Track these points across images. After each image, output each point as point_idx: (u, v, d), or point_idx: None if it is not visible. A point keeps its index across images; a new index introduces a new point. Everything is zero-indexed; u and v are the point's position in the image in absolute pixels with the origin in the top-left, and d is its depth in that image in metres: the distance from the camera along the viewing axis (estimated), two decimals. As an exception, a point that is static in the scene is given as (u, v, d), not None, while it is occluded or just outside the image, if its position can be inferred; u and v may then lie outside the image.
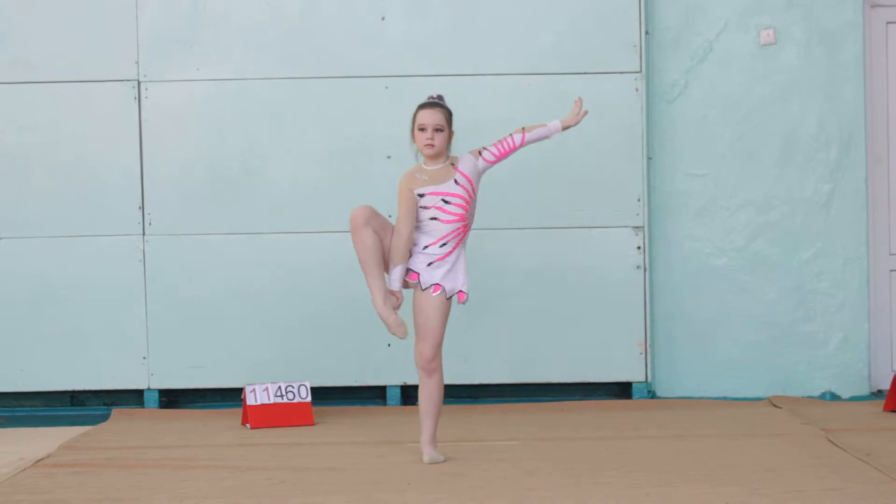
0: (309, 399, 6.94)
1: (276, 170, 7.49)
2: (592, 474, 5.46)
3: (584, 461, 5.75)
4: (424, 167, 5.78)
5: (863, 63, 7.58)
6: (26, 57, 7.47)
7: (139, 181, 7.49)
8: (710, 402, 7.46)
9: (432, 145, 5.73)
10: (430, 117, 5.74)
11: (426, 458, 5.79)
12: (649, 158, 7.54)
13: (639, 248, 7.50)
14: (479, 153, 5.83)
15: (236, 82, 7.49)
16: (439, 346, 5.77)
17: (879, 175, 7.73)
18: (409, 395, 7.47)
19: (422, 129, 5.75)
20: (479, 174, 5.83)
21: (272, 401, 6.86)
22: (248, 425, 6.83)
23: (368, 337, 7.46)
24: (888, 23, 7.70)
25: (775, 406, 7.30)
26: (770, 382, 7.59)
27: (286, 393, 6.90)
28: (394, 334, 5.74)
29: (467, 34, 7.48)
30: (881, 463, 5.56)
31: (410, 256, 5.75)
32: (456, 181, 5.74)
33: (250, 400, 6.83)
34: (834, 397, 7.56)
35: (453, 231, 5.74)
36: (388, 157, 7.37)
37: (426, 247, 5.74)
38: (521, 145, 5.84)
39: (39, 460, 6.01)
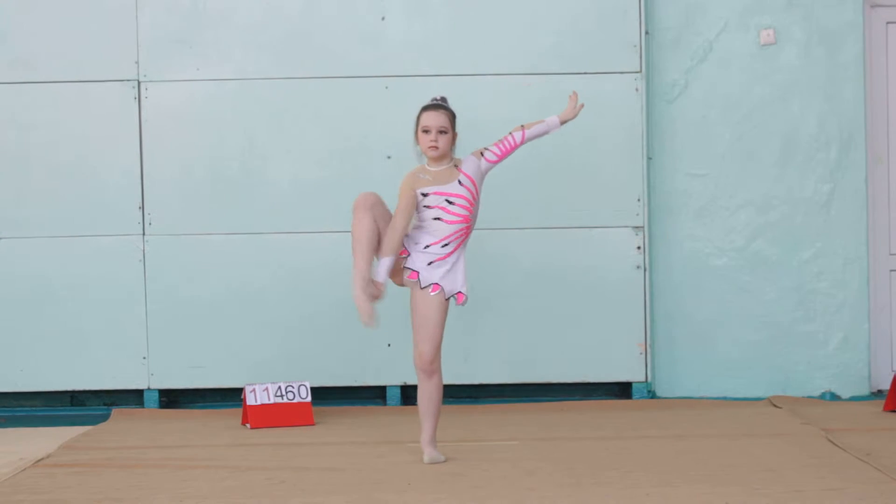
0: (309, 399, 6.94)
1: (276, 170, 7.49)
2: (592, 474, 5.46)
3: (584, 461, 5.75)
4: (428, 168, 5.78)
5: (863, 63, 7.58)
6: (26, 57, 7.47)
7: (139, 181, 7.49)
8: (710, 402, 7.46)
9: (436, 147, 5.73)
10: (434, 119, 5.74)
11: (426, 458, 5.79)
12: (649, 158, 7.54)
13: (639, 248, 7.50)
14: (481, 154, 5.84)
15: (236, 82, 7.49)
16: (439, 347, 5.77)
17: (879, 175, 7.73)
18: (409, 395, 7.47)
19: (425, 131, 5.75)
20: (482, 175, 5.84)
21: (272, 401, 6.86)
22: (248, 425, 6.83)
23: (368, 337, 7.45)
24: (888, 23, 7.70)
25: (775, 406, 7.30)
26: (770, 382, 7.59)
27: (286, 393, 6.90)
28: (363, 322, 5.68)
29: (467, 34, 7.48)
30: (881, 463, 5.56)
31: (408, 255, 5.74)
32: (460, 182, 5.74)
33: (250, 400, 6.83)
34: (834, 397, 7.56)
35: (456, 232, 5.74)
36: (388, 157, 7.37)
37: (428, 246, 5.73)
38: (522, 143, 5.86)
39: (39, 460, 6.01)
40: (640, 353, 7.51)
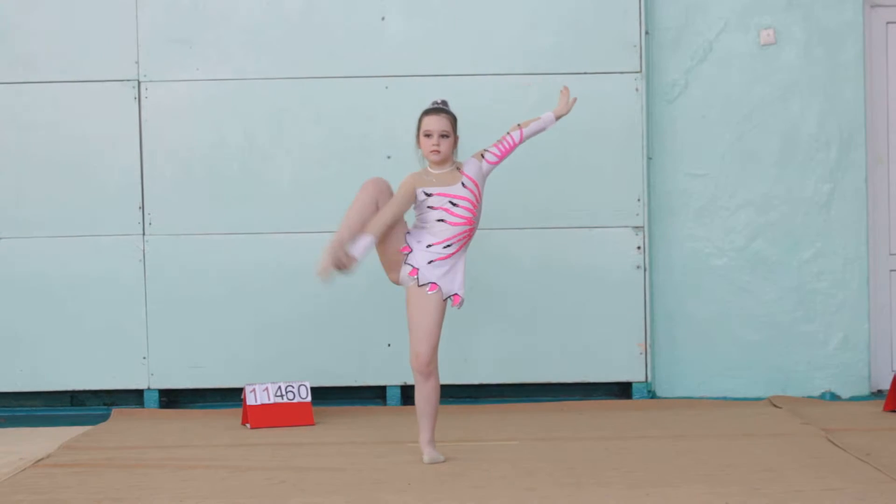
0: (309, 399, 6.94)
1: (276, 170, 7.49)
2: (592, 474, 5.45)
3: (584, 461, 5.75)
4: (431, 171, 5.78)
5: (863, 63, 7.58)
6: (26, 57, 7.47)
7: (139, 181, 7.49)
8: (710, 402, 7.46)
9: (438, 151, 5.73)
10: (436, 123, 5.74)
11: (426, 459, 5.79)
12: (649, 158, 7.54)
13: (639, 247, 7.50)
14: (482, 156, 5.85)
15: (236, 82, 7.49)
16: (435, 348, 5.76)
17: (879, 175, 7.73)
18: (409, 394, 7.47)
19: (427, 136, 5.75)
20: (484, 177, 5.85)
21: (272, 401, 6.86)
22: (248, 425, 6.82)
23: (368, 337, 7.47)
24: (888, 23, 7.70)
25: (775, 406, 7.30)
26: (770, 382, 7.59)
27: (286, 393, 6.90)
28: (318, 271, 5.63)
29: (467, 34, 7.48)
30: (881, 463, 5.56)
31: (410, 251, 5.72)
32: (463, 184, 5.75)
33: (250, 400, 6.83)
34: (834, 397, 7.56)
35: (459, 234, 5.74)
36: (388, 158, 7.36)
37: (430, 245, 5.73)
38: (521, 141, 5.90)
39: (39, 460, 6.01)
40: (640, 353, 7.51)
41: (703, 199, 7.60)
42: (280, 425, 6.82)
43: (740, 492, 5.06)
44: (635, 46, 7.46)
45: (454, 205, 5.72)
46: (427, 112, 5.81)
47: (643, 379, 7.51)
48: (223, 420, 7.12)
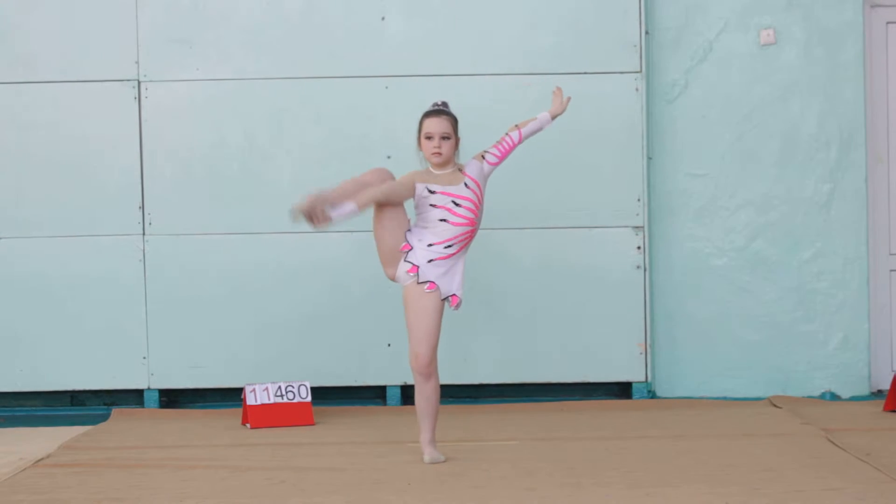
0: (309, 399, 6.94)
1: (276, 170, 7.49)
2: (592, 474, 5.45)
3: (584, 461, 5.75)
4: (433, 171, 5.78)
5: (863, 63, 7.58)
6: (26, 57, 7.47)
7: (139, 181, 7.49)
8: (710, 402, 7.46)
9: (440, 154, 5.73)
10: (437, 126, 5.75)
11: (427, 458, 5.79)
12: (649, 158, 7.54)
13: (639, 247, 7.50)
14: (483, 157, 5.86)
15: (236, 82, 7.49)
16: (435, 349, 5.76)
17: (879, 175, 7.73)
18: (409, 394, 7.47)
19: (429, 138, 5.75)
20: (485, 178, 5.86)
21: (272, 401, 6.86)
22: (248, 425, 6.82)
23: (368, 337, 7.46)
24: (888, 23, 7.70)
25: (775, 406, 7.30)
26: (770, 382, 7.59)
27: (286, 393, 6.90)
28: (292, 207, 5.66)
29: (467, 34, 7.48)
30: (881, 463, 5.56)
31: (410, 249, 5.71)
32: (466, 185, 5.75)
33: (250, 400, 6.83)
34: (834, 397, 7.56)
35: (461, 234, 5.74)
36: (388, 158, 7.35)
37: (431, 245, 5.73)
38: (520, 142, 5.93)
39: (39, 460, 6.01)
40: (640, 353, 7.51)
41: (703, 199, 7.60)
42: (280, 425, 6.81)
43: (740, 492, 5.06)
44: (635, 46, 7.46)
45: (457, 205, 5.72)
46: (428, 114, 5.81)
47: (643, 379, 7.51)
48: (223, 420, 7.12)
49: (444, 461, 5.79)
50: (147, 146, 7.49)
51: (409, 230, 5.78)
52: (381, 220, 5.75)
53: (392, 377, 7.48)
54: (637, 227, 7.50)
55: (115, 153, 7.48)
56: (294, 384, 6.93)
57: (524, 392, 7.64)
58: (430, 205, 5.72)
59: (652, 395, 7.57)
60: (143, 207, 7.49)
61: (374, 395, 7.62)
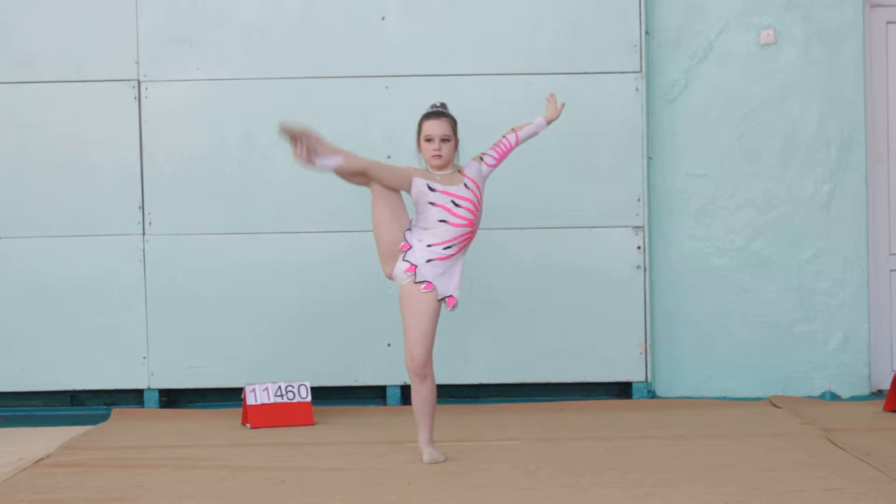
0: (309, 399, 6.94)
1: (276, 170, 7.49)
2: (592, 474, 5.45)
3: (584, 461, 5.75)
4: (433, 172, 5.79)
5: (863, 63, 7.58)
6: (27, 56, 7.47)
7: (139, 181, 7.49)
8: (710, 402, 7.46)
9: (440, 156, 5.74)
10: (437, 128, 5.75)
11: (426, 458, 5.79)
12: (649, 158, 7.54)
13: (639, 247, 7.50)
14: (481, 159, 5.87)
15: (236, 82, 7.49)
16: (430, 350, 5.76)
17: (879, 175, 7.73)
18: (408, 394, 7.44)
19: (429, 140, 5.76)
20: (484, 179, 5.87)
21: (272, 401, 6.86)
22: (248, 425, 6.82)
23: (368, 337, 7.46)
24: (888, 23, 7.70)
25: (775, 406, 7.30)
26: (770, 382, 7.59)
27: (286, 393, 6.90)
28: (282, 122, 5.77)
29: (467, 34, 7.48)
30: (881, 463, 5.56)
31: (409, 248, 5.71)
32: (465, 185, 5.75)
33: (250, 400, 6.83)
34: (834, 397, 7.56)
35: (460, 236, 5.74)
36: (388, 158, 7.34)
37: (430, 245, 5.73)
38: (517, 145, 5.97)
39: (39, 460, 6.00)
40: (640, 353, 7.51)
41: (703, 199, 7.60)
42: (280, 425, 6.81)
43: (740, 492, 5.06)
44: (635, 46, 7.46)
45: (456, 205, 5.72)
46: (427, 116, 5.81)
47: (643, 379, 7.51)
48: (223, 420, 7.12)
49: (443, 461, 5.79)
50: (147, 146, 7.49)
51: (408, 229, 5.78)
52: (379, 215, 5.76)
53: (392, 377, 7.48)
54: (637, 227, 7.50)
55: (115, 153, 7.48)
56: (294, 384, 6.93)
57: (524, 392, 7.64)
58: (430, 202, 5.71)
59: (652, 394, 7.57)
60: (142, 207, 7.49)
61: (373, 394, 7.62)
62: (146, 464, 5.89)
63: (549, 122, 6.04)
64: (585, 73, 7.46)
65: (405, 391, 7.50)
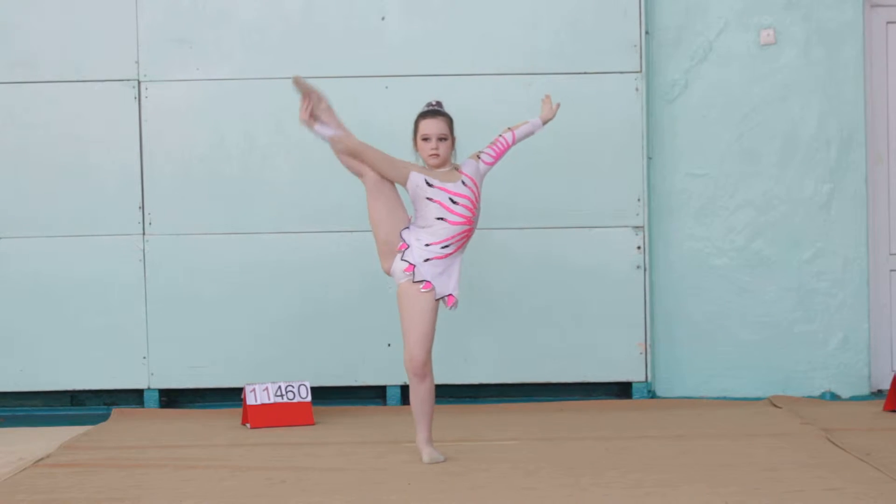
0: (309, 399, 6.94)
1: (276, 170, 7.49)
2: (592, 474, 5.45)
3: (584, 461, 5.75)
4: (430, 170, 5.78)
5: (863, 63, 7.58)
6: (27, 57, 7.47)
7: (139, 181, 7.49)
8: (710, 402, 7.46)
9: (437, 155, 5.74)
10: (434, 127, 5.75)
11: (426, 458, 5.79)
12: (649, 158, 7.54)
13: (639, 247, 7.50)
14: (478, 157, 5.87)
15: (236, 82, 7.49)
16: (429, 350, 5.75)
17: (879, 175, 7.73)
18: (408, 394, 7.45)
19: (426, 139, 5.76)
20: (482, 177, 5.86)
21: (272, 401, 6.86)
22: (248, 425, 6.82)
23: (368, 337, 7.46)
24: (888, 23, 7.70)
25: (775, 406, 7.30)
26: (770, 382, 7.59)
27: (286, 393, 6.90)
28: (302, 78, 5.89)
29: (467, 34, 7.48)
30: (881, 463, 5.56)
31: (407, 247, 5.70)
32: (463, 182, 5.75)
33: (250, 400, 6.83)
34: (834, 397, 7.56)
35: (458, 234, 5.73)
36: (388, 157, 7.36)
37: (428, 244, 5.73)
38: (513, 143, 5.99)
39: (39, 460, 6.00)
40: (640, 353, 7.51)
41: (703, 198, 7.60)
42: (280, 425, 6.81)
43: (740, 492, 5.06)
44: (635, 46, 7.46)
45: (454, 202, 5.72)
46: (423, 115, 5.81)
47: (643, 379, 7.51)
48: (223, 420, 7.12)
49: (443, 461, 5.79)
50: (147, 146, 7.49)
51: (406, 228, 5.78)
52: (375, 210, 5.76)
53: (392, 377, 7.48)
54: (637, 227, 7.50)
55: (115, 153, 7.48)
56: (294, 384, 6.93)
57: (524, 392, 7.64)
58: (427, 198, 5.70)
59: (652, 394, 7.57)
60: (142, 207, 7.49)
61: (373, 394, 7.62)
62: (146, 464, 5.88)
63: (545, 122, 6.05)
64: (585, 73, 7.46)
65: (405, 391, 7.50)
